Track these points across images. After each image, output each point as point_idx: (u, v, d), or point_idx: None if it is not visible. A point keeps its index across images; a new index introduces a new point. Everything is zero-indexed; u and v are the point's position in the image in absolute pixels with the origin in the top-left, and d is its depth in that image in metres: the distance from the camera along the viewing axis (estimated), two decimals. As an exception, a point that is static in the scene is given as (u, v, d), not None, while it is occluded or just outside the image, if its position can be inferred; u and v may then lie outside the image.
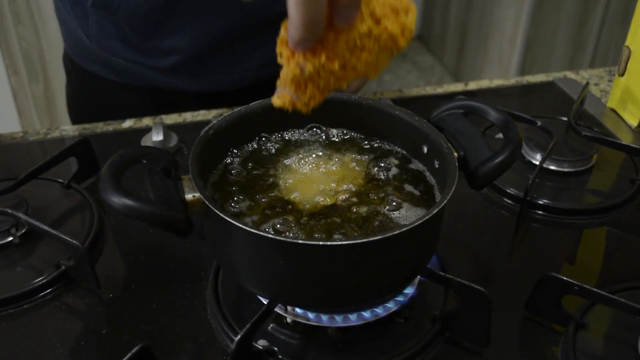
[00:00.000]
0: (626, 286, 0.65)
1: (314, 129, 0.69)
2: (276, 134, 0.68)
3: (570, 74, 1.09)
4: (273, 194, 0.61)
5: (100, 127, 0.93)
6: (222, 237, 0.56)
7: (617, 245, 0.74)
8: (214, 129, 0.61)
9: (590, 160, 0.84)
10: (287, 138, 0.68)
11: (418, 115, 0.64)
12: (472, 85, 1.05)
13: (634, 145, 0.83)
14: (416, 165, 0.65)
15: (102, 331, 0.62)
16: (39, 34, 2.13)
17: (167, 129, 0.87)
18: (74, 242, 0.64)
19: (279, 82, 0.47)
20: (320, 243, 0.52)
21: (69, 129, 0.93)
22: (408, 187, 0.63)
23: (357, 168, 0.64)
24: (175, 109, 0.97)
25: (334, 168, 0.64)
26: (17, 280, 0.66)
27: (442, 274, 0.60)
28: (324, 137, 0.68)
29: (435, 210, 0.53)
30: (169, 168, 0.57)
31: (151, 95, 1.00)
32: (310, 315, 0.59)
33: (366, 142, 0.68)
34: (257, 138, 0.67)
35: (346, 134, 0.69)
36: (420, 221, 0.51)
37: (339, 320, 0.59)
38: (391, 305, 0.61)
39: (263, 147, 0.66)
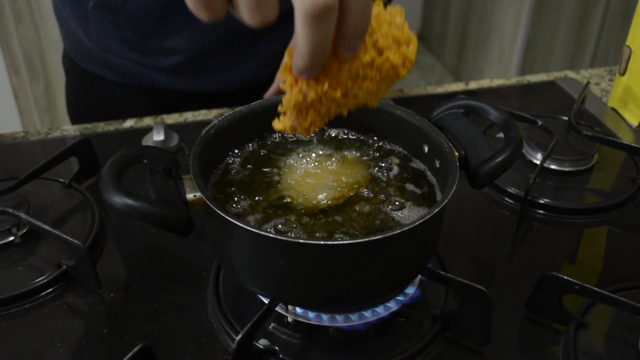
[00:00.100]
0: (627, 285, 0.65)
1: (315, 129, 0.69)
2: (277, 134, 0.68)
3: (571, 74, 1.09)
4: (274, 194, 0.61)
5: (101, 126, 0.93)
6: (223, 236, 0.56)
7: (617, 245, 0.74)
8: (215, 128, 0.61)
9: (591, 160, 0.84)
10: (287, 138, 0.68)
11: (419, 115, 0.64)
12: (473, 85, 1.05)
13: (635, 145, 0.83)
14: (417, 164, 0.65)
15: (103, 331, 0.62)
16: (39, 34, 2.13)
17: (168, 128, 0.87)
18: (75, 241, 0.64)
19: (280, 107, 0.48)
20: (321, 242, 0.52)
21: (70, 129, 0.93)
22: (409, 187, 0.63)
23: (357, 168, 0.64)
24: (175, 109, 0.97)
25: (334, 167, 0.64)
26: (18, 279, 0.66)
27: (443, 273, 0.60)
28: (324, 136, 0.68)
29: (436, 210, 0.53)
30: (170, 168, 0.57)
31: (151, 96, 1.00)
32: (311, 314, 0.59)
33: (367, 142, 0.68)
34: (258, 138, 0.67)
35: (347, 134, 0.69)
36: (421, 220, 0.51)
37: (339, 320, 0.59)
38: (392, 305, 0.61)
39: (264, 147, 0.66)
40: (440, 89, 1.04)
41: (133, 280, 0.68)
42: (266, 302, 0.58)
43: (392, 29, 0.48)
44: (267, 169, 0.64)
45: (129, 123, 0.94)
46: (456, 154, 0.60)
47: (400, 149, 0.67)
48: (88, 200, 0.76)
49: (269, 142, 0.67)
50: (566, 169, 0.83)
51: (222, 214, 0.51)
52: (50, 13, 2.05)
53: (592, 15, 2.43)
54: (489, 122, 0.73)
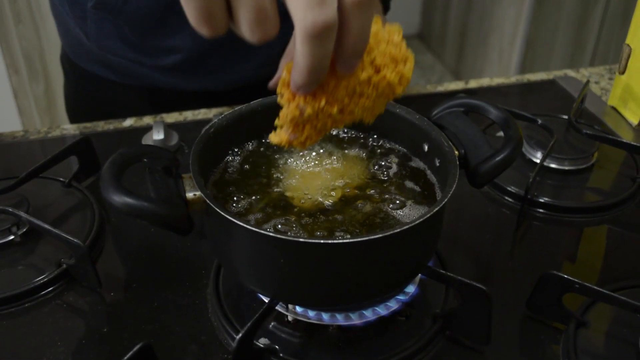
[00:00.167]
0: (627, 284, 0.65)
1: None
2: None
3: (571, 72, 1.09)
4: (274, 192, 0.61)
5: (101, 126, 0.93)
6: (223, 235, 0.56)
7: (617, 243, 0.74)
8: (215, 127, 0.61)
9: (590, 159, 0.84)
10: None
11: (419, 114, 0.64)
12: (473, 84, 1.05)
13: (635, 143, 0.83)
14: (417, 163, 0.65)
15: (103, 330, 0.62)
16: (39, 34, 2.13)
17: (168, 127, 0.87)
18: (75, 240, 0.64)
19: (277, 121, 0.49)
20: (321, 241, 0.52)
21: (69, 128, 0.93)
22: (408, 185, 0.63)
23: (357, 166, 0.64)
24: (175, 108, 0.97)
25: (334, 166, 0.64)
26: (18, 279, 0.66)
27: (443, 272, 0.60)
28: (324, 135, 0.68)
29: (436, 209, 0.53)
30: (169, 167, 0.57)
31: (150, 95, 1.00)
32: (311, 313, 0.59)
33: (367, 141, 0.68)
34: (257, 137, 0.67)
35: (347, 132, 0.69)
36: (421, 219, 0.51)
37: (340, 319, 0.59)
38: (392, 304, 0.61)
39: (264, 146, 0.66)
40: (440, 88, 1.04)
41: (133, 279, 0.68)
42: (266, 301, 0.58)
43: (389, 47, 0.49)
44: (267, 168, 0.64)
45: (128, 122, 0.94)
46: (456, 152, 0.60)
47: (400, 147, 0.67)
48: (88, 199, 0.76)
49: (268, 141, 0.67)
50: (566, 168, 0.83)
51: (222, 213, 0.51)
52: (50, 13, 2.05)
53: (592, 15, 2.43)
54: (489, 121, 0.73)
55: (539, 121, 0.86)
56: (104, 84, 1.00)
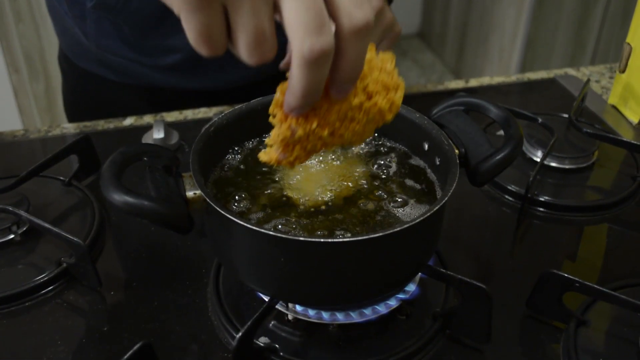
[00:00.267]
0: (627, 283, 0.65)
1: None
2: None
3: (571, 71, 1.09)
4: (274, 191, 0.61)
5: (101, 124, 0.93)
6: (223, 234, 0.56)
7: (618, 242, 0.74)
8: (215, 126, 0.61)
9: (591, 157, 0.84)
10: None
11: (419, 112, 0.64)
12: (473, 82, 1.05)
13: (635, 142, 0.83)
14: (417, 162, 0.65)
15: (103, 329, 0.62)
16: (39, 33, 2.13)
17: (168, 126, 0.87)
18: (75, 239, 0.64)
19: (268, 140, 0.50)
20: (322, 240, 0.51)
21: (70, 127, 0.93)
22: (409, 184, 0.63)
23: (358, 165, 0.64)
24: (174, 108, 0.97)
25: (335, 165, 0.64)
26: (19, 277, 0.66)
27: (443, 270, 0.60)
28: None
29: (437, 207, 0.53)
30: (169, 165, 0.57)
31: (150, 94, 1.00)
32: (311, 312, 0.59)
33: (367, 139, 0.68)
34: (258, 135, 0.67)
35: (347, 131, 0.69)
36: (421, 218, 0.51)
37: (340, 317, 0.59)
38: (392, 302, 0.61)
39: (264, 145, 0.66)
40: (440, 87, 1.04)
41: (133, 278, 0.68)
42: (266, 299, 0.58)
43: (382, 75, 0.50)
44: (267, 167, 0.64)
45: (128, 121, 0.94)
46: (456, 151, 0.60)
47: (401, 146, 0.67)
48: (88, 198, 0.76)
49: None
50: (566, 167, 0.83)
51: (222, 212, 0.51)
52: (49, 12, 2.05)
53: (593, 14, 2.43)
54: (489, 120, 0.73)
55: (540, 120, 0.86)
56: (103, 83, 1.00)
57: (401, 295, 0.62)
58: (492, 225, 0.77)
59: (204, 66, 0.95)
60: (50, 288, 0.66)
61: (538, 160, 0.82)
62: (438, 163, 0.62)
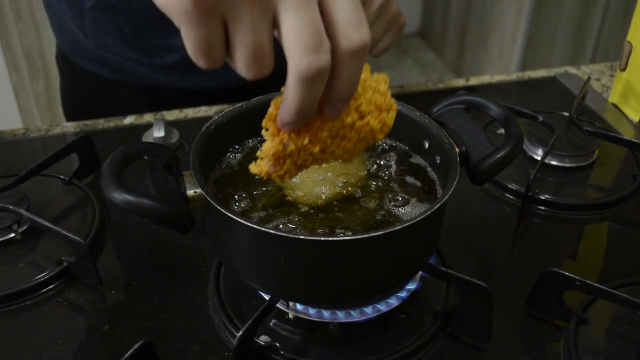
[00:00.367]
0: (628, 281, 0.65)
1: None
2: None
3: (572, 69, 1.09)
4: (274, 190, 0.61)
5: (102, 123, 0.93)
6: (224, 233, 0.56)
7: (618, 241, 0.74)
8: (215, 124, 0.61)
9: (591, 156, 0.84)
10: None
11: (419, 111, 0.64)
12: (474, 81, 1.05)
13: (636, 140, 0.83)
14: (417, 160, 0.65)
15: (103, 327, 0.62)
16: (39, 31, 2.12)
17: (168, 125, 0.86)
18: (75, 238, 0.64)
19: (259, 153, 0.50)
20: (322, 238, 0.51)
21: (70, 126, 0.93)
22: (409, 182, 0.63)
23: (358, 164, 0.64)
24: (173, 107, 0.97)
25: (335, 163, 0.64)
26: (19, 276, 0.66)
27: (444, 269, 0.60)
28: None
29: (437, 206, 0.53)
30: (170, 164, 0.57)
31: (149, 94, 1.00)
32: (312, 311, 0.59)
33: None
34: (258, 134, 0.67)
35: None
36: (422, 216, 0.51)
37: (340, 316, 0.59)
38: (393, 301, 0.61)
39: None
40: (440, 85, 1.04)
41: (134, 276, 0.68)
42: (267, 298, 0.58)
43: (375, 96, 0.51)
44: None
45: (129, 120, 0.94)
46: (457, 149, 0.60)
47: (401, 144, 0.67)
48: (88, 197, 0.76)
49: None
50: (567, 165, 0.83)
51: (223, 210, 0.51)
52: (49, 10, 2.05)
53: (593, 12, 2.43)
54: (490, 118, 0.73)
55: (540, 118, 0.86)
56: (101, 82, 1.00)
57: (402, 294, 0.62)
58: (493, 224, 0.77)
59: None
60: (50, 287, 0.66)
61: (538, 158, 0.82)
62: (438, 161, 0.62)
